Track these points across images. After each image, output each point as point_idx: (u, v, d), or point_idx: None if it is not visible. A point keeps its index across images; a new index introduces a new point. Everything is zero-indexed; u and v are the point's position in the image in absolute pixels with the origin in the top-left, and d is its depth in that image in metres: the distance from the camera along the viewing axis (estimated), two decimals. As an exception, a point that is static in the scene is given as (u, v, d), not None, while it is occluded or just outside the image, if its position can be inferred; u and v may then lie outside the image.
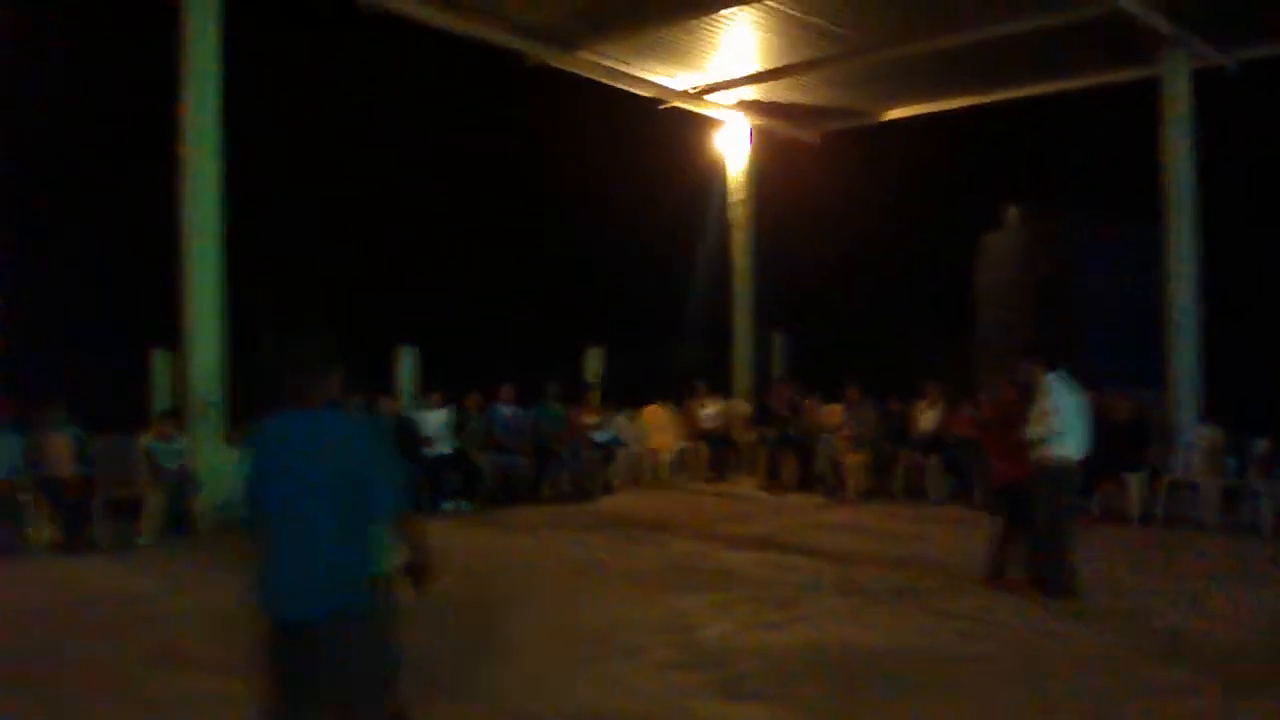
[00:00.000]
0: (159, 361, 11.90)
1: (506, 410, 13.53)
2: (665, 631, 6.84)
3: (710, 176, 18.02)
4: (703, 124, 17.52)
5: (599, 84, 15.21)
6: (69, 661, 6.26)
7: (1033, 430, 7.84)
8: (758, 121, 17.39)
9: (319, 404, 3.89)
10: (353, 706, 3.84)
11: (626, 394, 15.28)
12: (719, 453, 15.43)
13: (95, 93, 14.29)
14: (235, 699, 5.16)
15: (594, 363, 15.89)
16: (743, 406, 16.34)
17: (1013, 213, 16.37)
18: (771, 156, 17.90)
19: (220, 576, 8.56)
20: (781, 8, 12.84)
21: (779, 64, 14.84)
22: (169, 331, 11.38)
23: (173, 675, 5.89)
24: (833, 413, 14.45)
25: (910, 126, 17.16)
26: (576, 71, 14.77)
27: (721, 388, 16.71)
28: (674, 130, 17.60)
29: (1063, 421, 7.80)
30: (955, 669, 6.09)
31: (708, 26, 13.68)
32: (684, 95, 16.09)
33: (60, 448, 10.26)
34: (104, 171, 14.32)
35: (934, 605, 7.66)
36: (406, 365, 13.95)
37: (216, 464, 11.16)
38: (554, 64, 14.39)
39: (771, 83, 15.65)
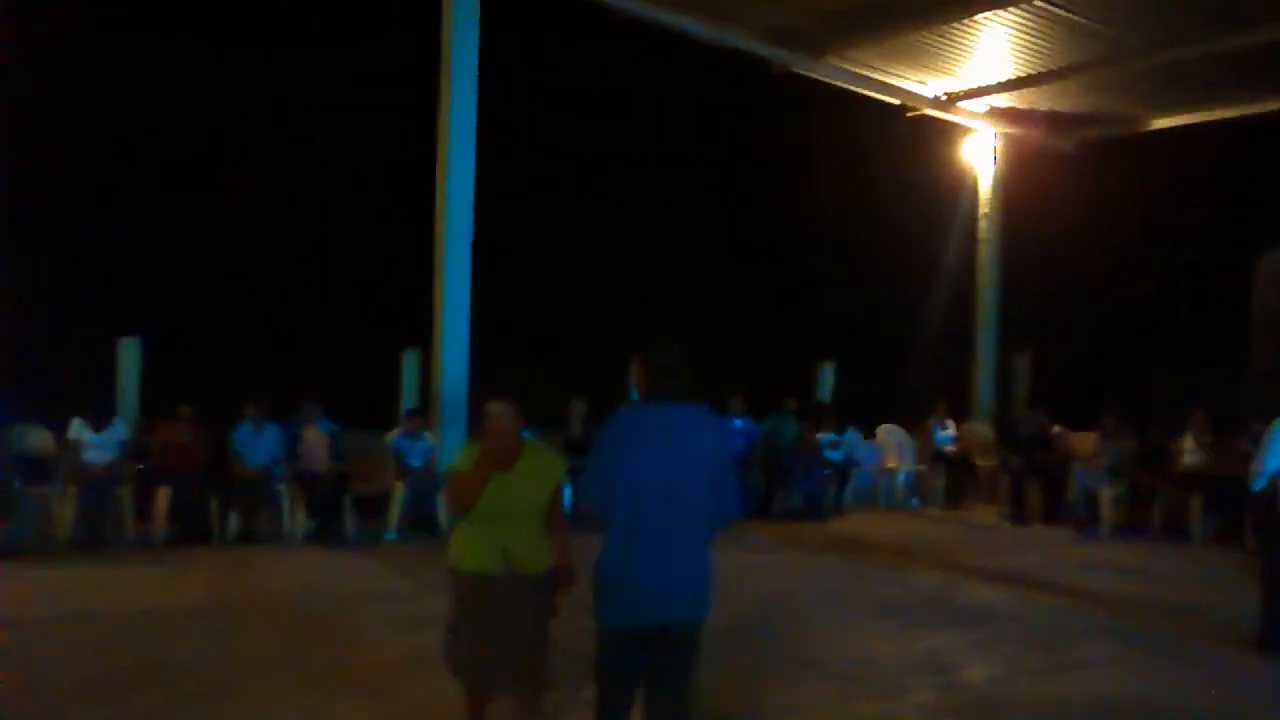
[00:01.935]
0: (409, 362, 12.25)
1: (738, 422, 13.29)
2: (925, 671, 6.42)
3: (953, 187, 17.31)
4: (946, 132, 16.84)
5: (838, 91, 14.76)
6: (334, 659, 6.36)
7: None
8: (1007, 129, 16.57)
9: (668, 399, 3.98)
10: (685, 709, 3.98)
11: (859, 412, 14.79)
12: (956, 478, 14.74)
13: (359, 95, 14.90)
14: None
15: (827, 378, 15.48)
16: (983, 430, 15.58)
17: (1294, 230, 15.00)
18: (1019, 166, 17.05)
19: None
20: (1047, 7, 12.09)
21: (1038, 68, 14.05)
22: (420, 332, 11.69)
23: (430, 680, 5.87)
24: (1084, 440, 13.56)
25: (1175, 135, 16.01)
26: (822, 78, 14.39)
27: (959, 409, 16.00)
28: (916, 139, 16.97)
29: (1276, 465, 7.10)
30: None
31: (963, 30, 13.06)
32: (933, 102, 15.48)
33: (317, 442, 10.66)
34: (358, 174, 14.92)
35: (1215, 660, 6.96)
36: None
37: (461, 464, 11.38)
38: (799, 70, 14.06)
39: (1027, 89, 14.88)
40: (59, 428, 10.06)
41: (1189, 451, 12.44)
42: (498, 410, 4.46)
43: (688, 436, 3.93)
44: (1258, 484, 7.31)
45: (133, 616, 7.27)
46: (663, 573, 3.88)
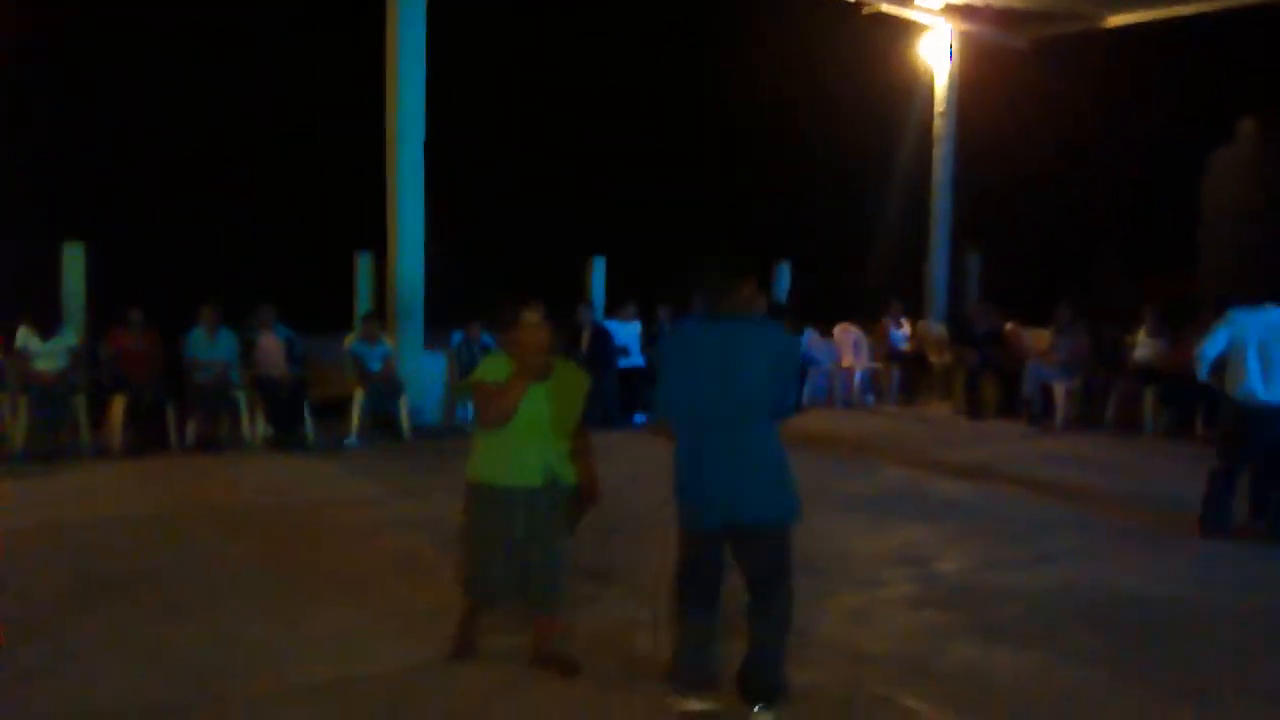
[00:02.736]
0: (362, 264, 12.01)
1: (698, 324, 13.24)
2: (900, 564, 6.50)
3: (908, 86, 17.14)
4: (901, 30, 16.62)
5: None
6: (308, 565, 6.28)
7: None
8: (963, 27, 16.37)
9: (730, 312, 4.01)
10: (771, 606, 4.08)
11: (815, 312, 14.79)
12: (912, 375, 14.88)
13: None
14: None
15: (784, 278, 15.44)
16: (937, 327, 15.69)
17: (1246, 125, 15.07)
18: (974, 64, 16.90)
19: (436, 483, 8.63)
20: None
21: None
22: (373, 233, 11.45)
23: (414, 584, 5.83)
24: (1039, 336, 13.71)
25: (1131, 34, 15.90)
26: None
27: (913, 307, 16.08)
28: (871, 37, 16.74)
29: (1214, 352, 7.39)
30: (1221, 620, 5.60)
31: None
32: (888, -2, 15.26)
33: (273, 348, 10.45)
34: (310, 76, 14.47)
35: (1184, 549, 7.11)
36: (597, 276, 13.79)
37: (417, 369, 11.27)
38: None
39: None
40: (4, 336, 9.74)
41: (1142, 345, 12.62)
42: (534, 319, 4.32)
43: (744, 347, 3.98)
44: (1201, 372, 7.51)
45: (102, 525, 7.14)
46: (726, 478, 3.95)
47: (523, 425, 4.31)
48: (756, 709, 4.06)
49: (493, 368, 4.39)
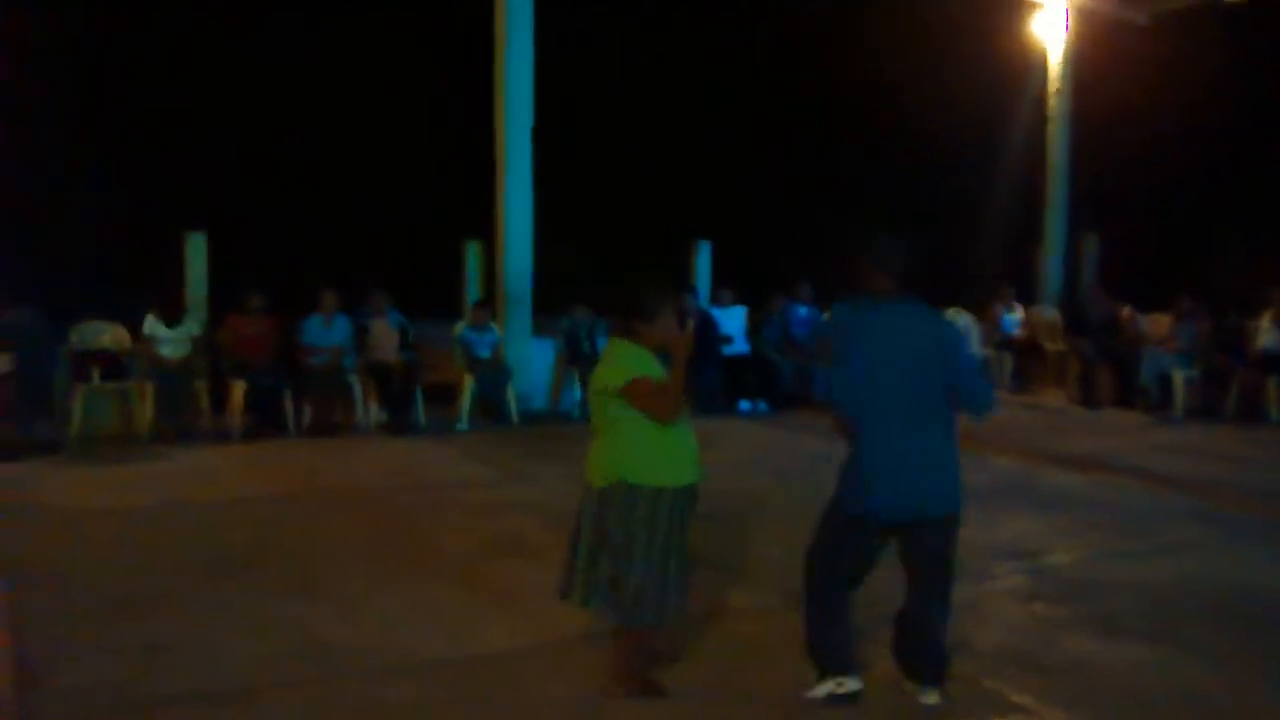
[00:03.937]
0: (471, 252, 12.21)
1: (804, 311, 13.16)
2: (1011, 556, 6.39)
3: (1021, 64, 16.73)
4: (1013, 6, 16.22)
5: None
6: (422, 546, 6.44)
7: None
8: (1080, 1, 15.92)
9: (894, 296, 3.97)
10: (939, 591, 4.14)
11: (925, 297, 14.54)
12: (1024, 362, 14.56)
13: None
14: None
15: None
16: (1050, 314, 15.33)
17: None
18: (1091, 41, 16.41)
19: (545, 467, 8.77)
20: None
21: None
22: (482, 222, 11.63)
23: (525, 567, 5.94)
24: (1157, 323, 13.30)
25: (1255, 4, 15.25)
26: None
27: (1025, 292, 15.72)
28: (980, 14, 16.35)
29: None
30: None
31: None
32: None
33: (387, 335, 10.70)
34: (422, 69, 14.74)
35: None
36: (701, 262, 13.79)
37: (525, 355, 11.43)
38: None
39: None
40: (133, 324, 10.15)
41: (1266, 331, 12.18)
42: (680, 307, 4.16)
43: (910, 334, 3.93)
44: None
45: (225, 505, 7.42)
46: (918, 476, 3.92)
47: (682, 419, 4.06)
48: (926, 692, 4.16)
49: (639, 361, 4.02)
